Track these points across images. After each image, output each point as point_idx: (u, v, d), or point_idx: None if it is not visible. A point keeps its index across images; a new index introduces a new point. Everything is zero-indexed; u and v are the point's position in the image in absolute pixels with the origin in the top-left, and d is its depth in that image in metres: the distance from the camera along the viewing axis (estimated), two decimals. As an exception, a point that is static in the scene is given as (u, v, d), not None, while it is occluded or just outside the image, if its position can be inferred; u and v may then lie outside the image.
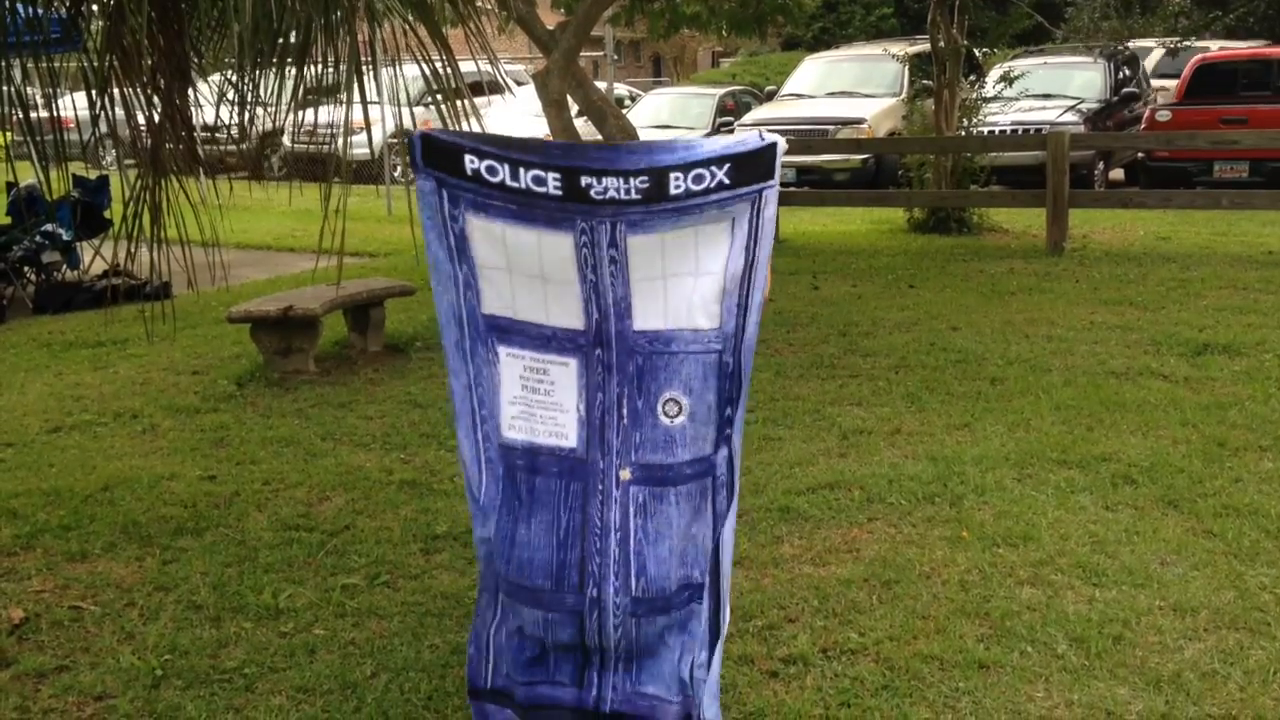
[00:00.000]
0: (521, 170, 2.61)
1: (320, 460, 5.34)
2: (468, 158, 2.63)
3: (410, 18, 3.96)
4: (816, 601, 3.78)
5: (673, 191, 2.58)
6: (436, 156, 2.66)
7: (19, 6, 3.85)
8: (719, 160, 2.60)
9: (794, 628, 3.63)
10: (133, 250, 3.90)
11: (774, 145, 2.64)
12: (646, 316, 2.68)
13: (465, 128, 4.05)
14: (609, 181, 2.57)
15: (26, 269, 9.75)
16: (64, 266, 9.89)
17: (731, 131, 16.23)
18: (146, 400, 6.40)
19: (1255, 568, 3.92)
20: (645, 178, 2.57)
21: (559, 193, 2.59)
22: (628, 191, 2.57)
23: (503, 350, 2.76)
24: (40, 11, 3.92)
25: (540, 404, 2.76)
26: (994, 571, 3.95)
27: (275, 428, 5.83)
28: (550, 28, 8.30)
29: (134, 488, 5.02)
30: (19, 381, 6.94)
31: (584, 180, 2.58)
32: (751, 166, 2.62)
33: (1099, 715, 3.11)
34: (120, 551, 4.39)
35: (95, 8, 4.14)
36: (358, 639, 3.66)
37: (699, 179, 2.58)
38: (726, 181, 2.60)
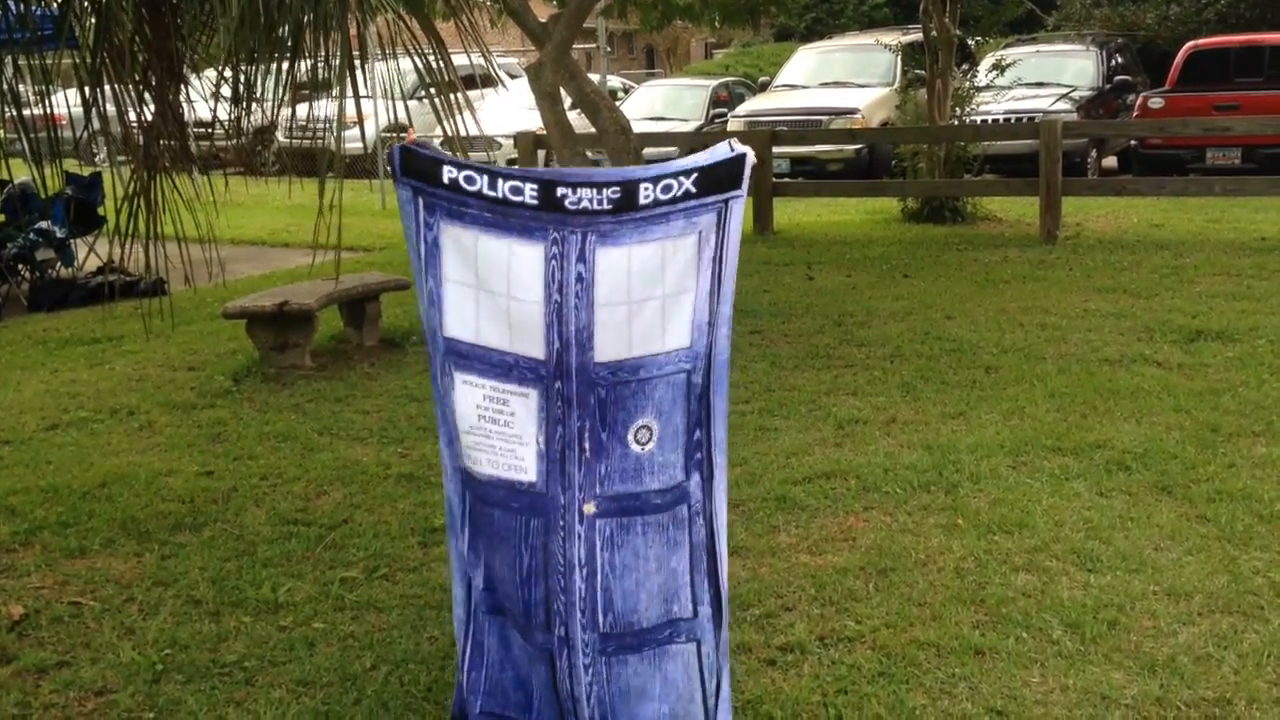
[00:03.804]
0: (500, 180, 2.64)
1: (317, 455, 5.34)
2: (446, 168, 2.65)
3: (402, 11, 3.97)
4: (813, 590, 3.80)
5: (642, 201, 2.60)
6: (415, 167, 2.67)
7: (9, 3, 3.85)
8: (687, 171, 2.64)
9: (791, 616, 3.65)
10: (126, 246, 3.91)
11: (743, 156, 2.66)
12: (608, 347, 2.62)
13: (459, 121, 4.06)
14: (584, 192, 2.60)
15: (21, 266, 9.75)
16: (58, 264, 9.89)
17: (725, 123, 16.24)
18: (143, 396, 6.40)
19: (1248, 552, 3.94)
20: (617, 189, 2.60)
21: (535, 201, 2.61)
22: (600, 201, 2.60)
23: (459, 377, 2.69)
24: (32, 8, 3.91)
25: (499, 435, 2.68)
26: (989, 558, 3.97)
27: (272, 423, 5.84)
28: (542, 20, 8.28)
29: (132, 484, 5.02)
30: (15, 379, 6.94)
31: (560, 190, 2.61)
32: (719, 177, 2.64)
33: (1094, 699, 3.13)
34: (119, 547, 4.40)
35: (86, 4, 4.13)
36: (357, 632, 3.68)
37: (667, 188, 2.61)
38: (693, 190, 2.62)
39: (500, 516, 2.71)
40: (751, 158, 2.69)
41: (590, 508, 2.67)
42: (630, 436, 2.66)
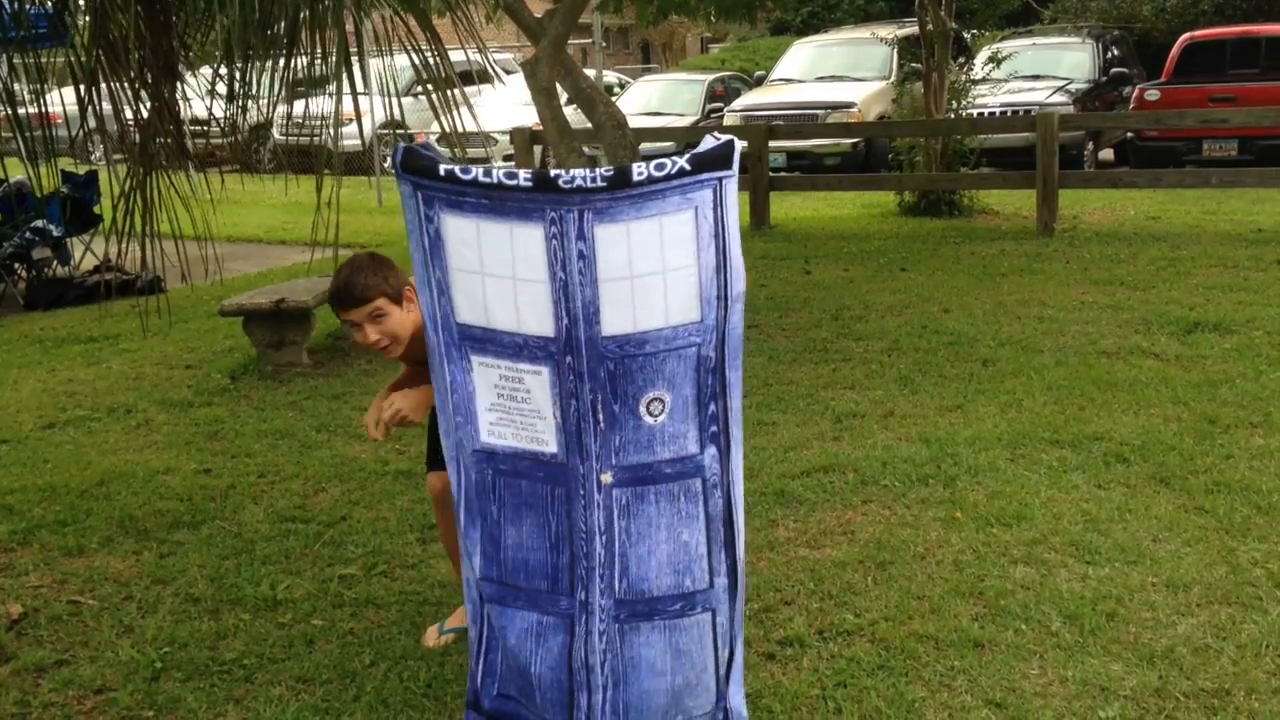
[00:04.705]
0: (494, 170, 2.73)
1: (315, 452, 5.34)
2: (443, 164, 2.75)
3: (398, 7, 3.96)
4: (812, 584, 3.81)
5: (635, 178, 2.69)
6: (415, 164, 2.77)
7: (4, 2, 3.84)
8: (678, 153, 2.74)
9: (790, 610, 3.65)
10: (123, 245, 3.90)
11: (731, 141, 2.77)
12: (615, 321, 2.70)
13: (456, 117, 4.06)
14: (576, 172, 2.69)
15: (17, 265, 9.74)
16: (54, 262, 9.89)
17: (722, 118, 16.23)
18: (140, 395, 6.40)
19: (1246, 543, 3.94)
20: (610, 168, 2.71)
21: (529, 184, 2.69)
22: (593, 180, 2.68)
23: (475, 359, 2.79)
24: (26, 6, 3.91)
25: (519, 410, 2.78)
26: (988, 551, 3.98)
27: (269, 420, 5.84)
28: (538, 15, 8.27)
29: (129, 482, 5.02)
30: (12, 378, 6.94)
31: (553, 172, 2.70)
32: (711, 158, 2.74)
33: (1093, 691, 3.13)
34: (117, 546, 4.40)
35: (82, 3, 4.13)
36: (356, 629, 3.68)
37: (660, 166, 2.70)
38: (687, 168, 2.70)
39: (527, 486, 2.81)
40: (740, 144, 2.79)
41: (607, 478, 2.75)
42: (643, 409, 2.74)
